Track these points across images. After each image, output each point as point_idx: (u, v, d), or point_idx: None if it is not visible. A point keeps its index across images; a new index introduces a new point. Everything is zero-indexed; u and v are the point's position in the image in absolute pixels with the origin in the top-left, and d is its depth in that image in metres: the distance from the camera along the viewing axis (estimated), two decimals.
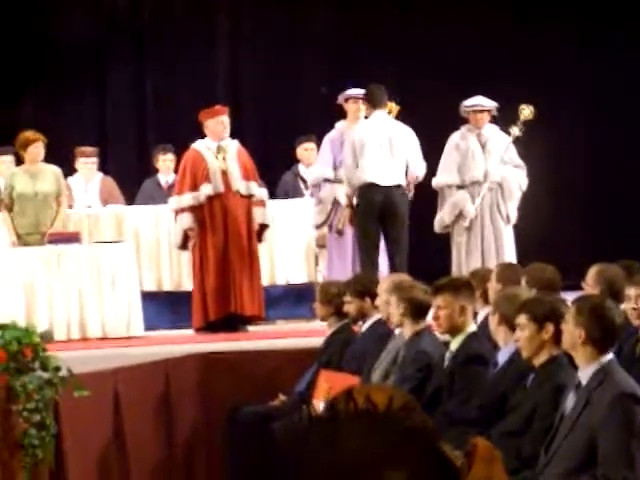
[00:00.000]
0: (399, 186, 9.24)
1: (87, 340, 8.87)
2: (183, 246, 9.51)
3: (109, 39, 13.17)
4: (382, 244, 9.40)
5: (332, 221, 9.69)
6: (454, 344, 6.21)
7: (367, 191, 9.12)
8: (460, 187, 9.72)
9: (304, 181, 10.89)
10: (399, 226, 9.25)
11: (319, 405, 6.89)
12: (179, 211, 9.41)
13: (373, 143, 9.15)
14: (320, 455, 1.17)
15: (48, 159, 9.68)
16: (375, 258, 9.21)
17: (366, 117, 9.42)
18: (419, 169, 9.42)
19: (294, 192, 10.97)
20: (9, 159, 10.74)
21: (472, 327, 6.20)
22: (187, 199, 9.41)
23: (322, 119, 10.11)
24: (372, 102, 9.31)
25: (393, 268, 9.02)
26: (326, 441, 1.18)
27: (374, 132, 9.20)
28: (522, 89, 10.88)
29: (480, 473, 3.53)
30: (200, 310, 9.29)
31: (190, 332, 9.38)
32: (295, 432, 1.24)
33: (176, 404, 7.74)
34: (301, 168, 11.16)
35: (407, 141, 9.36)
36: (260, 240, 9.55)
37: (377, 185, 9.11)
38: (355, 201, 9.24)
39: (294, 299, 10.31)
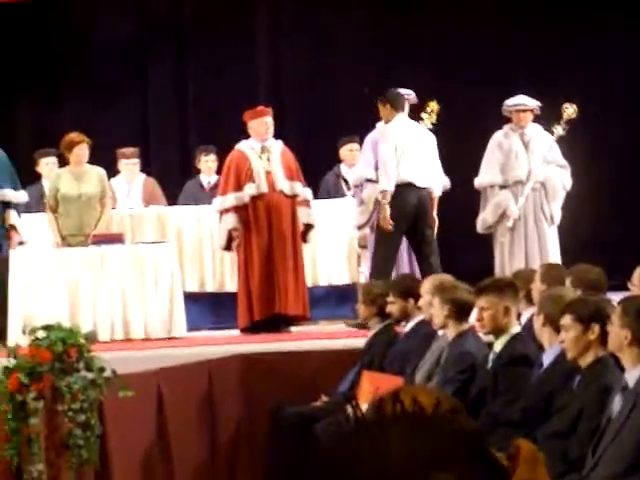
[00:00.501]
0: (430, 190, 9.24)
1: (130, 341, 8.90)
2: (227, 247, 9.53)
3: (150, 40, 13.24)
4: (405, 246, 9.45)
5: (374, 222, 9.67)
6: (498, 345, 6.19)
7: (403, 191, 9.10)
8: (503, 187, 9.68)
9: (346, 181, 10.89)
10: (432, 227, 9.24)
11: (362, 406, 6.90)
12: (223, 212, 9.43)
13: (410, 144, 9.14)
14: (367, 457, 1.17)
15: (91, 160, 9.71)
16: (392, 264, 9.17)
17: (387, 121, 9.32)
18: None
19: (336, 192, 10.97)
20: (52, 161, 10.81)
21: (516, 328, 6.17)
22: (231, 199, 9.43)
23: (364, 119, 10.07)
24: (394, 106, 9.27)
25: (430, 269, 8.97)
26: (373, 443, 1.19)
27: (408, 134, 9.18)
28: (565, 88, 10.82)
29: (523, 476, 3.50)
30: (245, 311, 9.30)
31: (232, 333, 9.40)
32: (341, 434, 1.23)
33: (219, 404, 7.77)
34: (343, 168, 11.16)
35: (433, 145, 9.38)
36: (305, 240, 9.55)
37: (414, 185, 9.10)
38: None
39: (336, 300, 10.30)
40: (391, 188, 9.05)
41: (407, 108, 9.42)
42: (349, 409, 6.53)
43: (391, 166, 9.06)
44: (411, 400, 1.23)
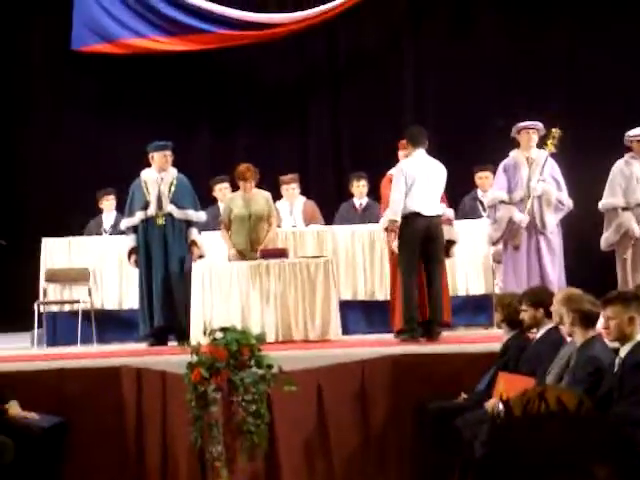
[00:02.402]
0: (439, 216, 9.01)
1: (293, 342, 8.96)
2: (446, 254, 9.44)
3: (310, 80, 13.36)
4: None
5: (506, 238, 9.60)
6: (623, 351, 6.08)
7: (413, 219, 8.84)
8: (625, 209, 9.55)
9: (482, 204, 10.85)
10: (439, 251, 9.04)
11: (498, 403, 6.85)
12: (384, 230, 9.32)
13: (421, 178, 8.91)
14: (528, 451, 1.17)
15: (260, 184, 9.83)
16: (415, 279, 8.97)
17: (406, 156, 9.11)
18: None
19: (473, 213, 10.94)
20: (226, 186, 11.03)
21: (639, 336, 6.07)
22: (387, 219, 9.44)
23: (499, 148, 10.00)
24: (412, 142, 9.04)
25: (433, 290, 8.88)
26: (532, 438, 1.18)
27: (422, 167, 8.97)
28: None
29: None
30: (399, 316, 9.28)
31: (382, 336, 9.41)
32: (501, 429, 1.25)
33: (371, 399, 7.75)
34: (479, 192, 11.14)
35: (442, 178, 9.14)
36: (448, 255, 9.49)
37: (421, 214, 8.87)
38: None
39: (473, 308, 10.27)
40: (397, 218, 8.82)
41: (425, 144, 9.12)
42: (499, 406, 6.52)
43: (398, 199, 8.82)
44: (555, 399, 1.25)
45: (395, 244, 8.90)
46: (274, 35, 12.76)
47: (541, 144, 9.66)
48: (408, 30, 13.28)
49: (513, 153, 9.65)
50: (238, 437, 6.73)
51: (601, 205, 9.65)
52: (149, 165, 9.73)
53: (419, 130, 9.24)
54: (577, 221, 9.83)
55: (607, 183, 9.64)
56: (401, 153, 9.30)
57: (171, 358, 7.99)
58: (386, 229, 8.99)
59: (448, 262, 9.78)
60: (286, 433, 7.07)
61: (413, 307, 8.85)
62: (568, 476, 0.96)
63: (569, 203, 9.56)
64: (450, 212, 9.66)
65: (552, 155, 9.62)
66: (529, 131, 9.58)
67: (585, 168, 10.04)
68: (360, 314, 10.01)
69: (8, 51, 13.01)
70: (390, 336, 9.22)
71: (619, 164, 9.66)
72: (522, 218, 9.43)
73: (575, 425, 1.04)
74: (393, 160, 9.66)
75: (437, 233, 8.97)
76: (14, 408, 7.68)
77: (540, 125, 9.62)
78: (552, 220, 9.49)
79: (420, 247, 8.87)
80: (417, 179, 8.89)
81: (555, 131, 9.62)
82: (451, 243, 9.56)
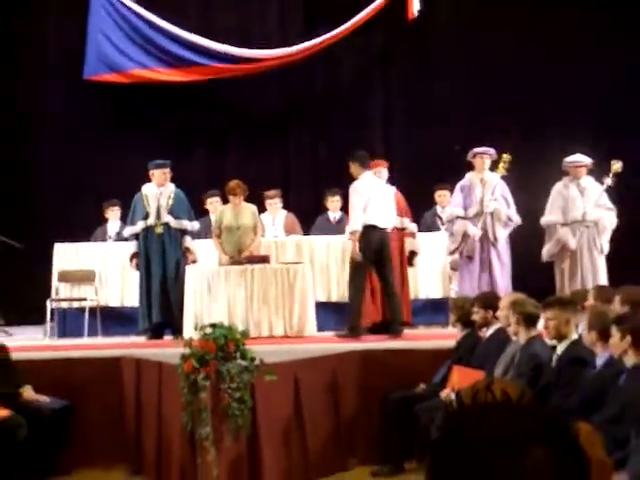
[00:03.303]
0: (388, 230, 9.07)
1: (273, 337, 8.95)
2: None
3: (291, 107, 13.37)
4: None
5: (462, 249, 9.63)
6: (560, 348, 6.13)
7: (370, 231, 8.86)
8: (563, 225, 9.62)
9: (441, 219, 10.89)
10: (391, 259, 9.07)
11: (451, 393, 6.87)
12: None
13: (375, 195, 8.97)
14: (476, 435, 1.17)
15: (247, 199, 9.83)
16: (364, 287, 9.03)
17: (357, 176, 9.07)
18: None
19: (433, 227, 10.98)
20: (216, 199, 11.01)
21: (574, 335, 6.10)
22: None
23: (457, 170, 10.04)
24: (363, 165, 9.09)
25: (389, 293, 8.91)
26: (479, 424, 1.18)
27: (373, 187, 9.02)
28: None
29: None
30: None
31: None
32: (452, 416, 1.25)
33: (342, 388, 7.77)
34: (438, 209, 11.17)
35: (391, 195, 9.23)
36: (411, 264, 9.53)
37: (377, 227, 8.91)
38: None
39: (432, 309, 10.29)
40: (359, 228, 8.86)
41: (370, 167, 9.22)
42: (452, 395, 6.53)
43: (358, 214, 8.87)
44: (501, 391, 1.26)
45: (357, 252, 8.91)
46: (260, 68, 12.77)
47: (493, 167, 9.71)
48: (377, 67, 13.32)
49: (468, 175, 9.70)
50: (224, 420, 6.70)
51: (542, 221, 9.73)
52: (150, 180, 9.73)
53: (366, 155, 9.28)
54: (523, 234, 9.87)
55: (548, 202, 9.72)
56: (367, 173, 9.19)
57: (166, 350, 8.01)
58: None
59: (410, 270, 9.83)
60: (267, 417, 7.03)
61: (359, 314, 8.86)
62: (508, 456, 0.98)
63: (517, 219, 9.61)
64: (413, 226, 9.70)
65: (502, 177, 9.68)
66: (483, 156, 9.64)
67: (529, 189, 10.08)
68: (333, 314, 9.99)
69: (32, 74, 12.98)
70: None
71: (558, 186, 9.75)
72: (475, 232, 9.47)
73: (516, 413, 1.05)
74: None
75: (389, 243, 9.02)
76: (28, 392, 7.67)
77: (492, 151, 9.68)
78: (502, 234, 9.54)
79: (375, 255, 8.89)
80: (371, 197, 8.91)
81: (506, 157, 9.68)
82: (413, 254, 9.60)
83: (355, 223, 8.92)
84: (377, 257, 8.92)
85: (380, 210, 8.96)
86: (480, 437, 1.15)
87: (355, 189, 8.98)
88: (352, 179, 9.67)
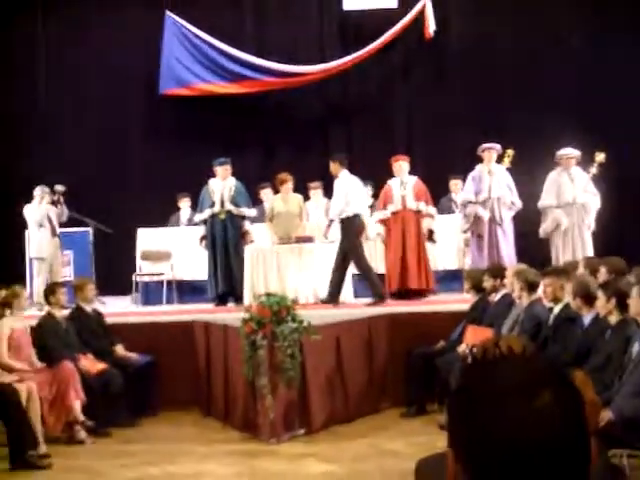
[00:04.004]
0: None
1: (318, 304, 8.97)
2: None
3: (329, 113, 13.34)
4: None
5: (473, 229, 9.61)
6: (556, 309, 6.15)
7: (355, 219, 8.91)
8: (557, 207, 9.56)
9: (455, 203, 10.86)
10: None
11: (466, 348, 6.88)
12: (377, 222, 9.45)
13: (358, 188, 9.03)
14: (490, 383, 1.15)
15: (294, 189, 9.87)
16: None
17: (336, 175, 9.11)
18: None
19: (449, 210, 10.96)
20: (268, 190, 11.06)
21: (567, 299, 6.11)
22: (379, 214, 9.52)
23: (467, 162, 10.00)
24: (342, 164, 9.11)
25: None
26: (492, 374, 1.16)
27: (353, 183, 9.06)
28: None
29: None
30: (386, 285, 9.32)
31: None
32: (467, 369, 1.21)
33: (374, 345, 7.80)
34: (453, 195, 11.15)
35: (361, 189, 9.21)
36: (433, 240, 9.54)
37: (359, 214, 8.94)
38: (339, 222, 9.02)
39: (450, 279, 10.29)
40: (338, 217, 8.93)
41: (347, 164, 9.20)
42: (466, 350, 6.52)
43: (340, 205, 8.92)
44: (506, 346, 1.25)
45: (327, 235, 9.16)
46: (304, 81, 12.78)
47: (499, 160, 9.68)
48: (400, 78, 13.25)
49: (478, 166, 9.67)
50: (279, 372, 6.75)
51: (539, 204, 9.67)
52: (214, 175, 9.80)
53: (345, 156, 9.37)
54: (524, 216, 9.83)
55: (544, 188, 9.66)
56: (344, 171, 9.12)
57: (230, 315, 8.07)
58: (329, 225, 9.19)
59: (431, 245, 9.82)
60: (313, 370, 7.07)
61: (378, 283, 8.91)
62: (520, 399, 0.98)
63: (519, 204, 9.58)
64: (433, 210, 9.69)
65: (507, 169, 9.65)
66: (490, 150, 9.61)
67: (529, 177, 10.00)
68: (366, 283, 10.01)
69: (122, 88, 13.10)
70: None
71: (552, 174, 9.70)
72: (484, 214, 9.45)
73: (525, 363, 1.05)
74: (389, 172, 9.69)
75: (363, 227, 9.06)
76: (120, 349, 7.82)
77: (498, 146, 9.64)
78: (507, 216, 9.52)
79: (355, 237, 8.97)
80: (349, 191, 8.94)
81: (510, 152, 9.65)
82: (432, 232, 9.59)
83: (335, 213, 8.99)
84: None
85: (359, 200, 9.01)
86: (495, 384, 1.13)
87: (338, 184, 9.04)
88: (384, 173, 9.73)
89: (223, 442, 6.82)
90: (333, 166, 9.12)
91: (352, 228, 8.88)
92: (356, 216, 8.90)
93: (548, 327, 6.11)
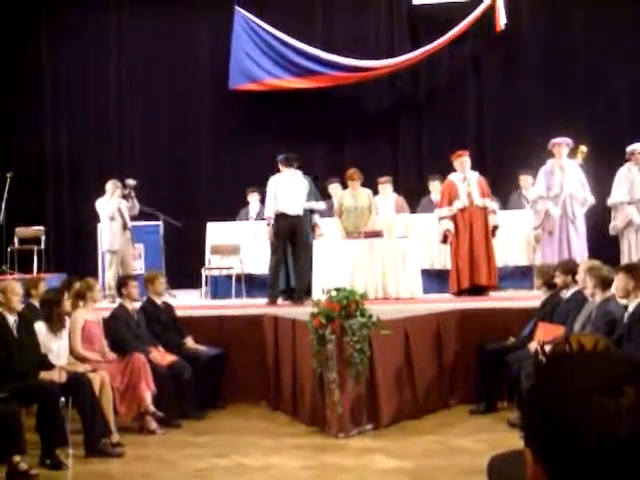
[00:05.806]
0: (300, 215, 9.16)
1: (387, 299, 8.98)
2: (443, 241, 9.53)
3: (399, 107, 13.30)
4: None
5: (544, 225, 9.47)
6: (631, 306, 6.02)
7: (281, 218, 9.06)
8: (629, 203, 9.35)
9: (525, 199, 10.71)
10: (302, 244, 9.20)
11: (535, 345, 6.79)
12: (441, 218, 9.43)
13: (289, 188, 9.08)
14: (567, 381, 1.10)
15: (363, 184, 9.84)
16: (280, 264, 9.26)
17: (279, 171, 9.27)
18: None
19: (519, 206, 10.81)
20: (337, 185, 11.07)
21: None
22: (445, 211, 9.45)
23: (538, 158, 9.85)
24: (288, 163, 9.22)
25: (299, 268, 9.12)
26: (569, 372, 1.11)
27: (290, 181, 9.12)
28: None
29: None
30: (455, 281, 9.27)
31: (449, 295, 9.34)
32: (541, 367, 1.15)
33: (443, 341, 7.77)
34: (523, 191, 11.00)
35: (305, 188, 9.23)
36: (494, 235, 9.44)
37: (287, 214, 9.03)
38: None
39: (520, 275, 10.17)
40: (271, 215, 9.12)
41: (295, 165, 9.30)
42: (538, 348, 6.43)
43: (270, 203, 9.11)
44: (577, 343, 1.22)
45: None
46: (373, 76, 12.77)
47: (571, 154, 9.51)
48: (469, 71, 13.11)
49: (550, 161, 9.52)
50: (347, 367, 6.76)
51: (610, 201, 9.47)
52: (279, 170, 9.84)
53: (292, 156, 9.39)
54: (596, 212, 9.64)
55: (614, 184, 9.45)
56: (286, 171, 9.28)
57: (299, 309, 8.12)
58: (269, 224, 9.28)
59: (501, 241, 9.70)
60: (382, 364, 7.07)
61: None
62: (605, 396, 0.93)
63: (591, 199, 9.40)
64: (494, 205, 9.58)
65: (579, 165, 9.48)
66: (560, 145, 9.45)
67: (600, 173, 9.80)
68: (435, 278, 9.98)
69: (195, 92, 13.28)
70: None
71: (623, 170, 9.47)
72: (555, 211, 9.30)
73: (606, 358, 1.01)
74: (453, 167, 9.60)
75: (301, 226, 9.18)
76: (190, 342, 7.95)
77: (569, 140, 9.48)
78: (579, 212, 9.35)
79: (288, 235, 9.19)
80: (285, 188, 9.09)
81: (583, 148, 9.49)
82: (495, 228, 9.49)
83: (269, 212, 9.18)
84: (290, 237, 9.13)
85: (289, 200, 9.07)
86: (576, 381, 1.09)
87: (269, 184, 9.22)
88: (450, 167, 9.64)
89: (291, 436, 6.87)
90: (280, 165, 9.33)
91: (276, 226, 9.13)
92: (282, 215, 9.09)
93: (623, 325, 5.99)
